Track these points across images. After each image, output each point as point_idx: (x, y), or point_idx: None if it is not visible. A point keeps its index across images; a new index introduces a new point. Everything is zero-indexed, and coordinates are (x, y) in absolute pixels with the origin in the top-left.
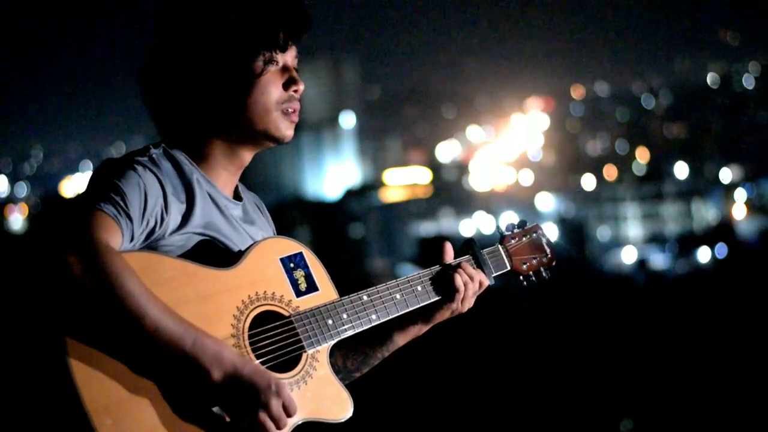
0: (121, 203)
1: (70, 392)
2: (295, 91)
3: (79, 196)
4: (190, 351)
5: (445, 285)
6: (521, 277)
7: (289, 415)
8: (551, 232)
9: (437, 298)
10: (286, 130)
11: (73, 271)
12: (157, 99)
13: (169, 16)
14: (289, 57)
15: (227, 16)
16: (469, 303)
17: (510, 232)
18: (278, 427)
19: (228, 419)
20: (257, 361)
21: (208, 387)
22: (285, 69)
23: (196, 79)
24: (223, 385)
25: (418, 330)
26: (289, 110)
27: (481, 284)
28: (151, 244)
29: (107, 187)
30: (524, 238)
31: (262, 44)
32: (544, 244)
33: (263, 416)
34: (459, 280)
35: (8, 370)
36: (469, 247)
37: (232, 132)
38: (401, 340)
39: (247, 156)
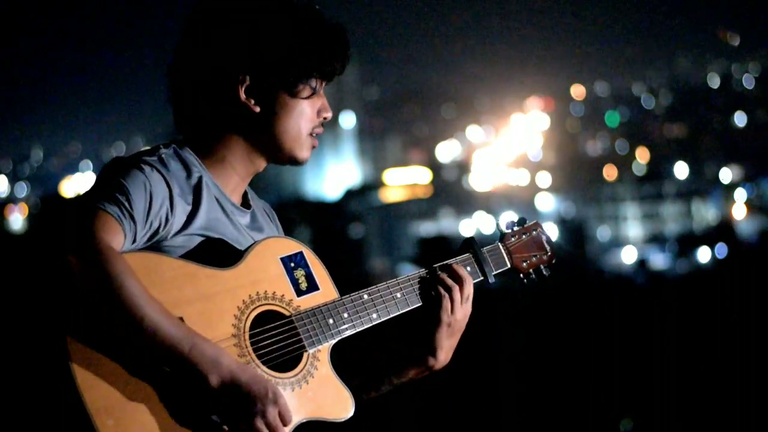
0: (126, 204)
1: (72, 393)
2: (325, 118)
3: (83, 195)
4: (188, 356)
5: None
6: (521, 275)
7: (285, 423)
8: (551, 231)
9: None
10: (307, 152)
11: (73, 271)
12: (193, 83)
13: (237, 8)
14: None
15: (293, 31)
16: (469, 290)
17: (510, 230)
18: None
19: (226, 429)
20: (258, 362)
21: (206, 392)
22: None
23: (245, 75)
24: (220, 391)
25: (421, 366)
26: (314, 134)
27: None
28: (153, 244)
29: (112, 186)
30: (524, 236)
31: (319, 71)
32: (544, 242)
33: (260, 424)
34: (457, 274)
35: (10, 371)
36: (469, 245)
37: (256, 138)
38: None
39: (260, 165)
